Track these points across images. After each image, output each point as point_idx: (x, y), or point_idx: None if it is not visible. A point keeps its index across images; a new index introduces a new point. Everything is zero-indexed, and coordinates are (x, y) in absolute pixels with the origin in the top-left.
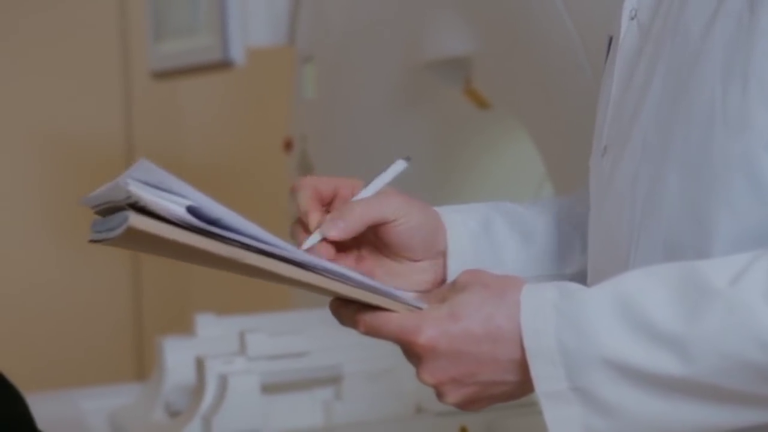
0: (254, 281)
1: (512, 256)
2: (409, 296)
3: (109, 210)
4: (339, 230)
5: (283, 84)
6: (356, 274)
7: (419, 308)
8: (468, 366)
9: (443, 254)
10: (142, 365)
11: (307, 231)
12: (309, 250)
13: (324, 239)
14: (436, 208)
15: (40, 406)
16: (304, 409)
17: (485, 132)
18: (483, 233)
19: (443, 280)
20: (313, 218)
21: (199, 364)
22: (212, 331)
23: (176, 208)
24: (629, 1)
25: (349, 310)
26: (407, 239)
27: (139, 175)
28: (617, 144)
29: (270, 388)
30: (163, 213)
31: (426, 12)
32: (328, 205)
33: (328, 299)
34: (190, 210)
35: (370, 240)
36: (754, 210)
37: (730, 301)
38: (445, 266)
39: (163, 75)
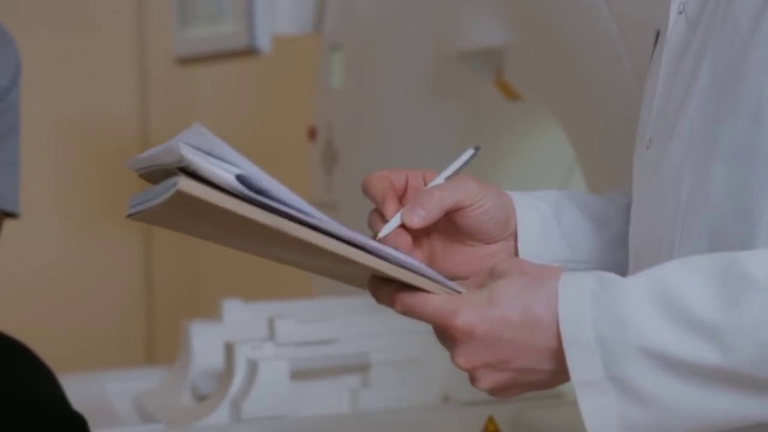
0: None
1: (584, 241)
2: (450, 281)
3: (149, 176)
4: (420, 217)
5: (300, 71)
6: (399, 254)
7: (458, 292)
8: (504, 352)
9: (515, 236)
10: (153, 348)
11: (384, 220)
12: (385, 239)
13: (402, 227)
14: (508, 192)
15: (64, 387)
16: (331, 395)
17: (513, 124)
18: (553, 217)
19: None
20: (390, 206)
21: (229, 349)
22: (239, 316)
23: (226, 175)
24: None
25: (387, 288)
26: (483, 223)
27: (192, 139)
28: (662, 136)
29: (298, 374)
30: (213, 179)
31: (458, 2)
32: (401, 196)
33: (345, 289)
34: (240, 178)
35: (441, 229)
36: None
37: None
38: (516, 249)
39: (188, 61)
